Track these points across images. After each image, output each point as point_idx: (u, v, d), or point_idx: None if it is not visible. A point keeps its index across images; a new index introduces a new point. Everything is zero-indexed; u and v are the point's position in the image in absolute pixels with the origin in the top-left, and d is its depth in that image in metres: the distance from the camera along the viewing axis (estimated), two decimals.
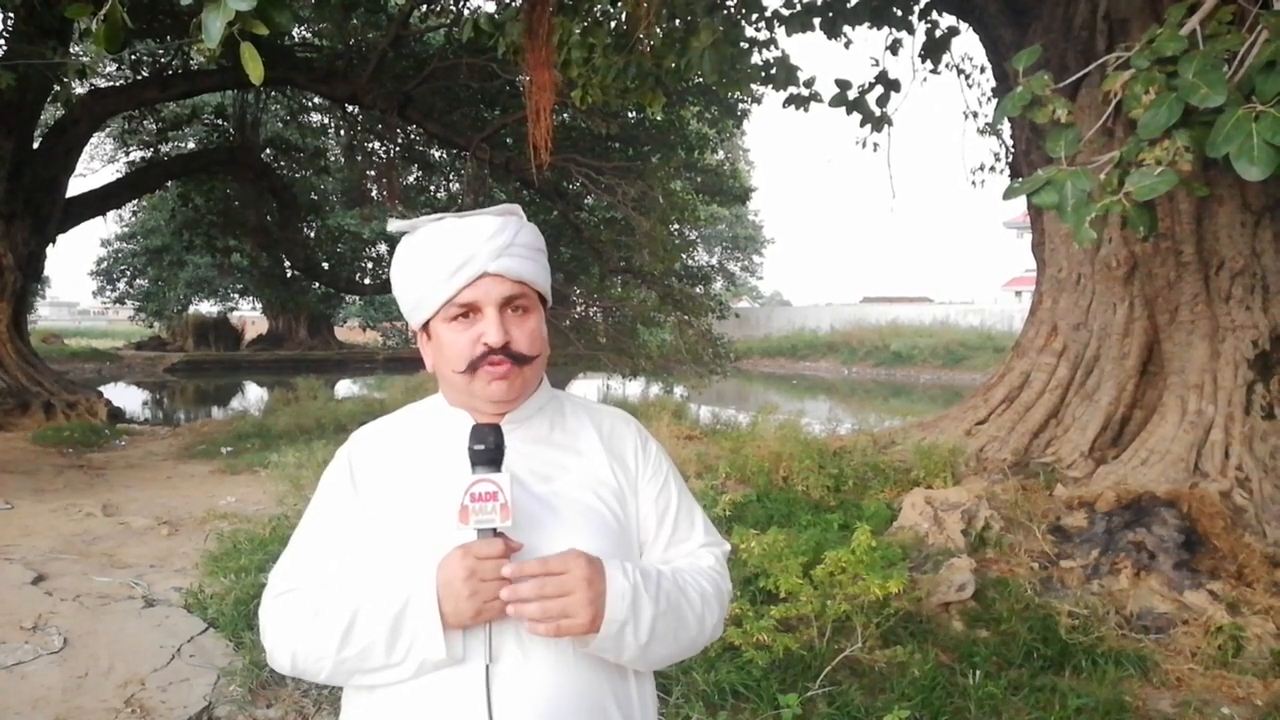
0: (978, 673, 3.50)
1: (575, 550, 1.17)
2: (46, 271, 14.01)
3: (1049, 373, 6.46)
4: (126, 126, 17.52)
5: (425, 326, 1.31)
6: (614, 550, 1.28)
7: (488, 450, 1.18)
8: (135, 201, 24.35)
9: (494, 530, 1.15)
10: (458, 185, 16.75)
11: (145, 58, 14.78)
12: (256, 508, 6.63)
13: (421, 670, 1.16)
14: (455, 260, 1.23)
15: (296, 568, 1.28)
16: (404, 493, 1.27)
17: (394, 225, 1.32)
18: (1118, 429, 6.01)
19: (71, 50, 10.68)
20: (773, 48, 6.87)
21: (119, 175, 16.57)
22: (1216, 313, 5.62)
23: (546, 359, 1.35)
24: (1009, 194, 2.70)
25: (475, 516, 1.14)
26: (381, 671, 1.17)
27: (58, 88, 10.82)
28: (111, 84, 14.67)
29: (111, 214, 18.57)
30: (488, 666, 1.15)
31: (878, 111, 6.99)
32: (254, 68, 2.17)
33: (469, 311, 1.25)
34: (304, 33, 14.92)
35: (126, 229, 31.99)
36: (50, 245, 13.22)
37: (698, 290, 15.44)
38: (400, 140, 15.82)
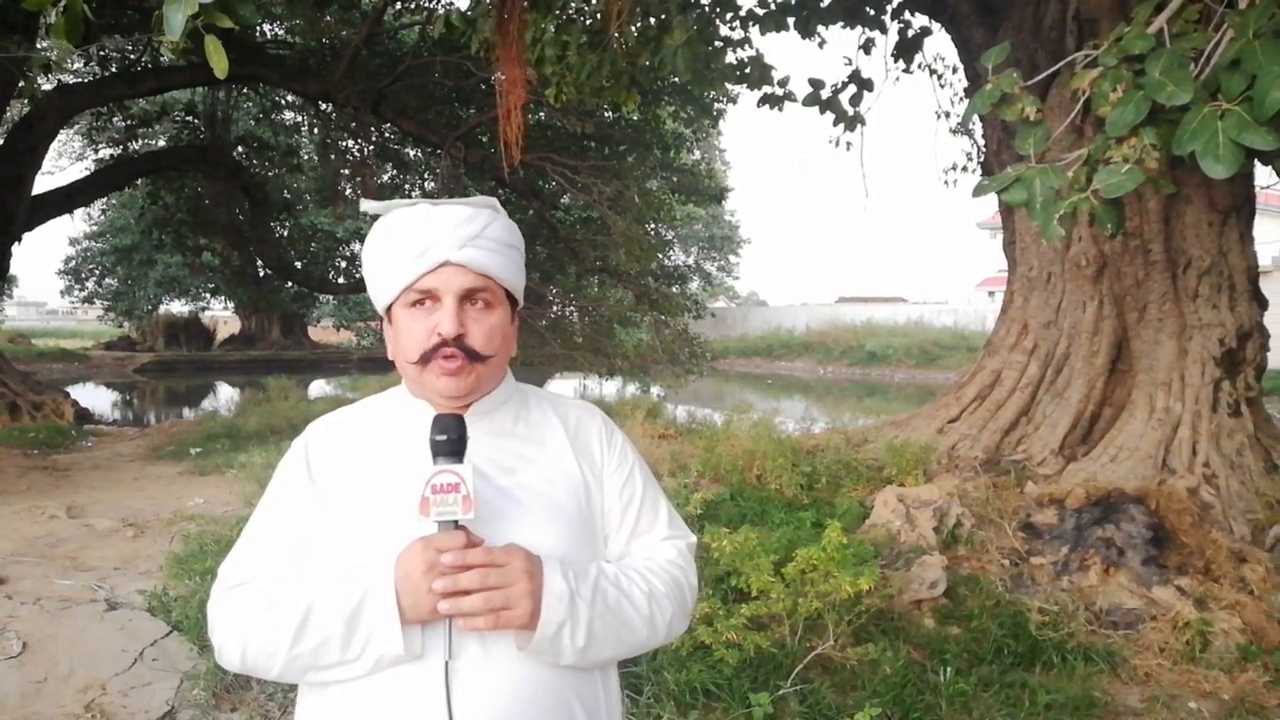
0: (949, 670, 3.51)
1: (515, 544, 1.15)
2: (13, 270, 13.72)
3: (1020, 371, 6.50)
4: (95, 123, 17.22)
5: (389, 312, 1.29)
6: (578, 543, 1.26)
7: (450, 441, 1.15)
8: (104, 199, 24.04)
9: (455, 523, 1.12)
10: (432, 184, 16.60)
11: (113, 54, 14.54)
12: (224, 509, 6.54)
13: (378, 667, 1.12)
14: (419, 245, 1.21)
15: (248, 560, 1.24)
16: (363, 484, 1.24)
17: (367, 206, 1.30)
18: (1087, 426, 6.07)
19: (38, 46, 10.48)
20: (747, 47, 6.90)
21: (87, 172, 16.26)
22: (1184, 311, 5.69)
23: (507, 359, 1.32)
24: (979, 191, 2.71)
25: (436, 508, 1.11)
26: (337, 668, 1.13)
27: (23, 83, 10.63)
28: (79, 80, 14.42)
29: (80, 212, 18.32)
30: (447, 663, 1.12)
31: (851, 111, 7.03)
32: (218, 61, 2.13)
33: (428, 299, 1.23)
34: (276, 29, 14.75)
35: (95, 227, 31.46)
36: (16, 244, 12.97)
37: (674, 290, 15.43)
38: (374, 138, 15.67)
